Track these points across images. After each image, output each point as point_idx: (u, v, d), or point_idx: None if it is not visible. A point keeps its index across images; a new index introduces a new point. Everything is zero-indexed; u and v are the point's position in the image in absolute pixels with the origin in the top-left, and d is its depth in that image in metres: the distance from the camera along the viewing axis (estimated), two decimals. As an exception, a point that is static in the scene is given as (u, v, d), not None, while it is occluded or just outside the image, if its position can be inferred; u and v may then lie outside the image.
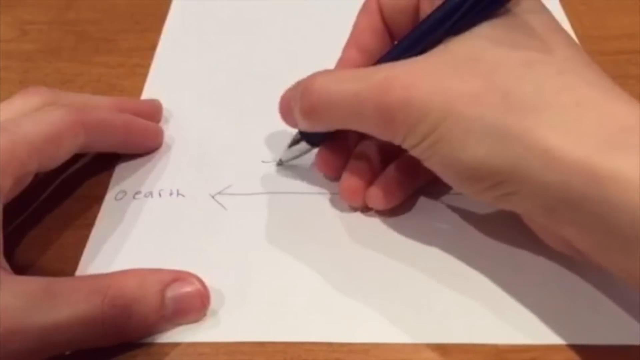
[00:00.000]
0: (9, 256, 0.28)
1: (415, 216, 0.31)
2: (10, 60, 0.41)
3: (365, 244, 0.30)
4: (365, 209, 0.31)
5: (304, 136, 0.32)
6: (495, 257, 0.29)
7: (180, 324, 0.27)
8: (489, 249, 0.29)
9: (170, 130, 0.36)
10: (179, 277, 0.27)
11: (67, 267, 0.29)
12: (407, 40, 0.28)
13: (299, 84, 0.29)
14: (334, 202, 0.32)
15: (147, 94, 0.39)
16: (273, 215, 0.31)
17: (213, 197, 0.32)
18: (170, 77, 0.40)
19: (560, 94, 0.24)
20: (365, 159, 0.31)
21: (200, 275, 0.27)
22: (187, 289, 0.27)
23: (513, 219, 0.30)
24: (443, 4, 0.26)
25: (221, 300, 0.28)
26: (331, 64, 0.39)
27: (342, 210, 0.31)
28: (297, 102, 0.29)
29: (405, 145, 0.26)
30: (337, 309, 0.27)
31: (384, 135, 0.27)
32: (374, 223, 0.31)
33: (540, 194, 0.23)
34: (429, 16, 0.26)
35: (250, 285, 0.28)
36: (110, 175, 0.34)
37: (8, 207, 0.28)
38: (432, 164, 0.26)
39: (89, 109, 0.32)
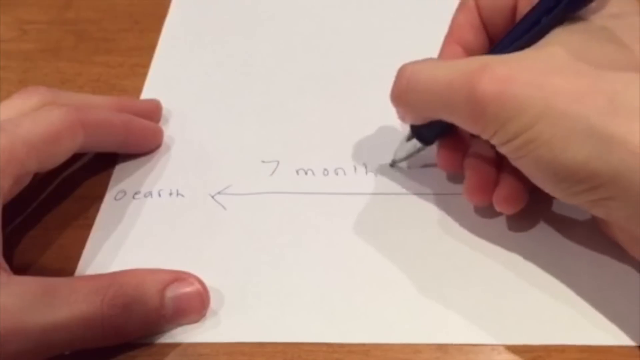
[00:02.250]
0: (8, 256, 0.28)
1: (415, 216, 0.31)
2: (10, 59, 0.41)
3: (366, 244, 0.30)
4: (490, 209, 0.29)
5: (415, 133, 0.31)
6: (495, 257, 0.29)
7: (180, 325, 0.27)
8: (489, 249, 0.29)
9: (170, 130, 0.36)
10: (179, 277, 0.27)
11: (66, 267, 0.29)
12: (506, 37, 0.27)
13: (399, 69, 0.28)
14: (334, 202, 0.32)
15: (146, 93, 0.38)
16: (273, 215, 0.31)
17: (213, 197, 0.32)
18: (170, 77, 0.40)
19: None
20: (482, 156, 0.30)
21: (200, 275, 0.27)
22: (187, 289, 0.27)
23: (512, 218, 0.30)
24: (540, 1, 0.26)
25: (221, 301, 0.28)
26: (331, 64, 0.40)
27: (341, 210, 0.31)
28: (392, 87, 0.28)
29: (494, 141, 0.26)
30: (337, 310, 0.27)
31: (473, 129, 0.26)
32: (374, 223, 0.31)
33: None
34: (530, 12, 0.26)
35: (250, 286, 0.28)
36: (110, 175, 0.34)
37: (7, 207, 0.28)
38: (523, 164, 0.25)
39: (89, 108, 0.31)
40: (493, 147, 0.28)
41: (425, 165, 0.32)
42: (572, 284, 0.28)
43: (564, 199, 0.25)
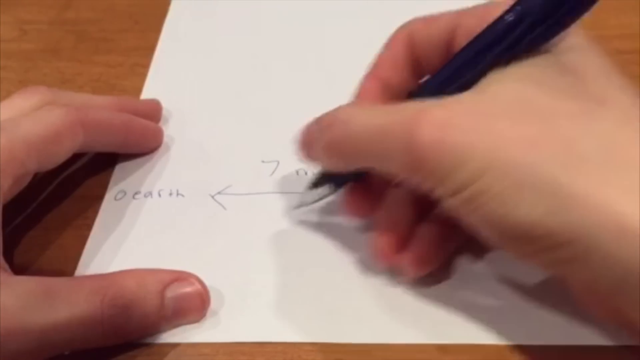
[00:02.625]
0: (8, 256, 0.28)
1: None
2: (10, 59, 0.41)
3: (366, 244, 0.30)
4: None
5: (326, 177, 0.29)
6: (495, 257, 0.29)
7: (180, 325, 0.27)
8: (489, 249, 0.29)
9: (170, 130, 0.36)
10: (179, 277, 0.27)
11: (66, 267, 0.29)
12: (440, 74, 0.25)
13: (320, 118, 0.26)
14: (333, 202, 0.32)
15: (146, 93, 0.38)
16: (273, 215, 0.31)
17: (213, 197, 0.32)
18: (169, 77, 0.40)
19: (628, 149, 0.21)
20: (397, 208, 0.27)
21: (200, 275, 0.27)
22: (187, 289, 0.27)
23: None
24: (494, 23, 0.23)
25: (221, 301, 0.28)
26: (330, 64, 0.40)
27: (341, 210, 0.31)
28: (318, 137, 0.26)
29: (437, 195, 0.23)
30: (338, 309, 0.27)
31: (412, 181, 0.24)
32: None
33: (607, 265, 0.20)
34: (468, 46, 0.24)
35: (250, 286, 0.28)
36: (110, 175, 0.34)
37: (7, 207, 0.28)
38: (472, 220, 0.23)
39: (88, 108, 0.31)
40: (413, 198, 0.27)
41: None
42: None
43: (519, 258, 0.23)
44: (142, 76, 0.39)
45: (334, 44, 0.41)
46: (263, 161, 0.34)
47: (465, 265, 0.29)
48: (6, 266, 0.26)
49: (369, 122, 0.24)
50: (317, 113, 0.36)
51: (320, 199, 0.30)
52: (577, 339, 0.26)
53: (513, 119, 0.21)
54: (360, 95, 0.29)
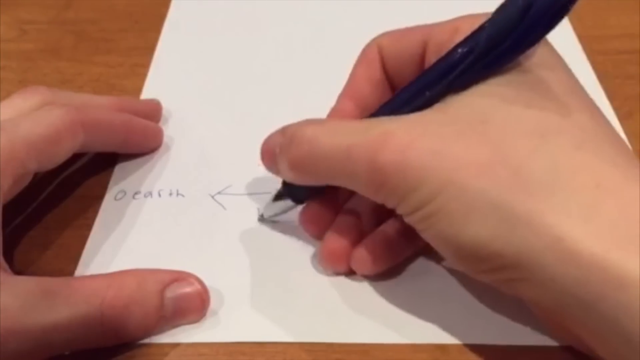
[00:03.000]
0: (8, 256, 0.28)
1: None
2: (10, 59, 0.41)
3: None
4: (350, 273, 0.28)
5: (288, 191, 0.29)
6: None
7: (179, 325, 0.27)
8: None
9: (170, 130, 0.36)
10: (179, 277, 0.27)
11: (66, 267, 0.29)
12: (407, 91, 0.25)
13: (286, 130, 0.26)
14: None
15: (146, 93, 0.38)
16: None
17: (213, 197, 0.32)
18: (169, 77, 0.40)
19: (577, 173, 0.21)
20: (355, 216, 0.28)
21: (200, 275, 0.27)
22: (187, 289, 0.27)
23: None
24: (449, 52, 0.24)
25: (221, 301, 0.28)
26: (330, 64, 0.40)
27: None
28: (283, 150, 0.26)
29: (398, 212, 0.24)
30: (337, 309, 0.27)
31: (375, 198, 0.24)
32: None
33: (551, 286, 0.21)
34: (433, 66, 0.24)
35: (250, 286, 0.28)
36: (110, 175, 0.34)
37: (7, 207, 0.28)
38: (427, 236, 0.24)
39: (88, 108, 0.31)
40: (371, 208, 0.28)
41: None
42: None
43: (471, 275, 0.24)
44: (142, 76, 0.40)
45: (334, 45, 0.41)
46: (263, 161, 0.34)
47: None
48: (6, 266, 0.26)
49: (334, 143, 0.24)
50: (318, 113, 0.36)
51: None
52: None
53: (467, 141, 0.22)
54: (335, 116, 0.29)
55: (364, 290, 0.28)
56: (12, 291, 0.24)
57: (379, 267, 0.28)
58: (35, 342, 0.24)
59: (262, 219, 0.31)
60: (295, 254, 0.30)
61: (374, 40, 0.29)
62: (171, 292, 0.26)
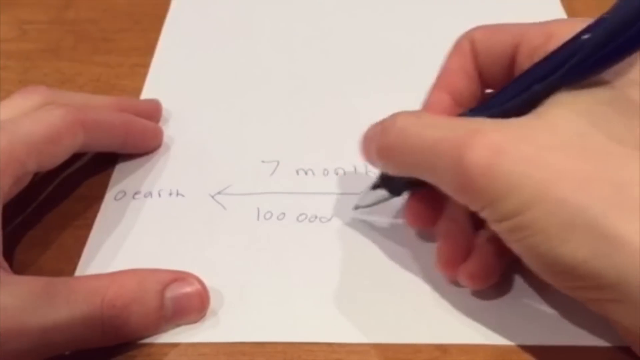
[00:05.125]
0: (8, 256, 0.28)
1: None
2: (10, 59, 0.41)
3: (366, 244, 0.30)
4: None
5: (384, 182, 0.28)
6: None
7: (179, 325, 0.27)
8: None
9: (170, 130, 0.36)
10: (179, 277, 0.27)
11: (66, 267, 0.29)
12: (501, 94, 0.24)
13: (383, 119, 0.26)
14: (333, 202, 0.32)
15: (146, 93, 0.38)
16: (273, 215, 0.31)
17: (213, 197, 0.32)
18: (169, 77, 0.40)
19: None
20: (455, 218, 0.27)
21: (200, 275, 0.27)
22: (187, 289, 0.27)
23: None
24: (547, 58, 0.23)
25: (221, 301, 0.28)
26: (331, 64, 0.40)
27: (341, 210, 0.31)
28: (374, 138, 0.26)
29: (481, 216, 0.23)
30: (337, 310, 0.27)
31: (459, 199, 0.23)
32: (375, 222, 0.31)
33: None
34: (531, 70, 0.23)
35: (250, 286, 0.28)
36: (110, 175, 0.34)
37: (7, 207, 0.28)
38: (516, 248, 0.22)
39: (88, 108, 0.31)
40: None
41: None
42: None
43: (562, 290, 0.23)
44: (142, 76, 0.39)
45: (334, 44, 0.41)
46: (263, 161, 0.34)
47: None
48: (6, 266, 0.26)
49: (421, 135, 0.24)
50: (317, 113, 0.36)
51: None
52: (577, 340, 0.26)
53: (567, 153, 0.21)
54: (428, 109, 0.28)
55: (364, 290, 0.28)
56: (12, 291, 0.24)
57: (486, 283, 0.27)
58: (35, 342, 0.24)
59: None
60: (295, 253, 0.30)
61: (466, 33, 0.28)
62: (171, 292, 0.26)
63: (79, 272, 0.29)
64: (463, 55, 0.28)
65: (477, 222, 0.27)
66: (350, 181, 0.33)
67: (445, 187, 0.24)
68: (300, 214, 0.31)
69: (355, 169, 0.33)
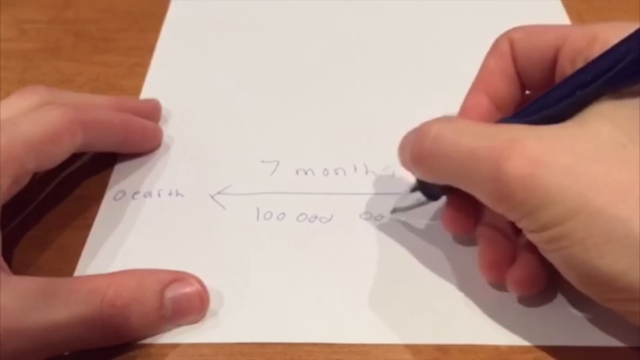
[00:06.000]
0: (7, 256, 0.28)
1: (416, 217, 0.31)
2: (9, 59, 0.41)
3: (366, 244, 0.30)
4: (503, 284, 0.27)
5: (421, 186, 0.28)
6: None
7: (179, 325, 0.27)
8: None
9: (170, 129, 0.36)
10: (179, 277, 0.27)
11: (66, 267, 0.29)
12: (542, 100, 0.24)
13: (420, 126, 0.26)
14: (333, 202, 0.32)
15: (146, 93, 0.38)
16: (273, 215, 0.31)
17: (213, 197, 0.32)
18: (169, 77, 0.40)
19: None
20: (498, 225, 0.27)
21: (199, 275, 0.27)
22: (187, 289, 0.27)
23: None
24: (592, 63, 0.22)
25: (221, 301, 0.28)
26: (331, 64, 0.40)
27: (341, 210, 0.31)
28: (410, 144, 0.26)
29: (520, 226, 0.23)
30: (337, 310, 0.27)
31: (496, 209, 0.23)
32: (375, 223, 0.31)
33: None
34: (574, 75, 0.23)
35: (250, 286, 0.28)
36: (109, 175, 0.34)
37: (6, 207, 0.28)
38: (553, 258, 0.22)
39: (88, 108, 0.31)
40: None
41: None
42: (572, 285, 0.28)
43: (598, 301, 0.23)
44: (142, 76, 0.39)
45: (334, 44, 0.41)
46: (263, 161, 0.34)
47: (465, 265, 0.29)
48: (5, 266, 0.26)
49: (458, 143, 0.23)
50: (317, 113, 0.36)
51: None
52: (577, 340, 0.26)
53: (608, 162, 0.21)
54: (465, 113, 0.28)
55: (364, 290, 0.28)
56: (12, 291, 0.24)
57: (534, 289, 0.26)
58: (35, 342, 0.24)
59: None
60: (295, 253, 0.30)
61: (505, 33, 0.27)
62: (171, 292, 0.26)
63: (78, 272, 0.29)
64: (502, 56, 0.27)
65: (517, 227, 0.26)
66: (350, 181, 0.33)
67: (482, 197, 0.23)
68: (300, 214, 0.31)
69: (355, 169, 0.33)
